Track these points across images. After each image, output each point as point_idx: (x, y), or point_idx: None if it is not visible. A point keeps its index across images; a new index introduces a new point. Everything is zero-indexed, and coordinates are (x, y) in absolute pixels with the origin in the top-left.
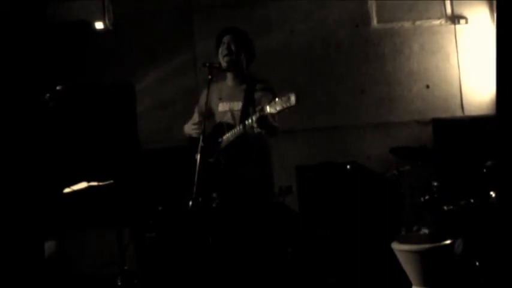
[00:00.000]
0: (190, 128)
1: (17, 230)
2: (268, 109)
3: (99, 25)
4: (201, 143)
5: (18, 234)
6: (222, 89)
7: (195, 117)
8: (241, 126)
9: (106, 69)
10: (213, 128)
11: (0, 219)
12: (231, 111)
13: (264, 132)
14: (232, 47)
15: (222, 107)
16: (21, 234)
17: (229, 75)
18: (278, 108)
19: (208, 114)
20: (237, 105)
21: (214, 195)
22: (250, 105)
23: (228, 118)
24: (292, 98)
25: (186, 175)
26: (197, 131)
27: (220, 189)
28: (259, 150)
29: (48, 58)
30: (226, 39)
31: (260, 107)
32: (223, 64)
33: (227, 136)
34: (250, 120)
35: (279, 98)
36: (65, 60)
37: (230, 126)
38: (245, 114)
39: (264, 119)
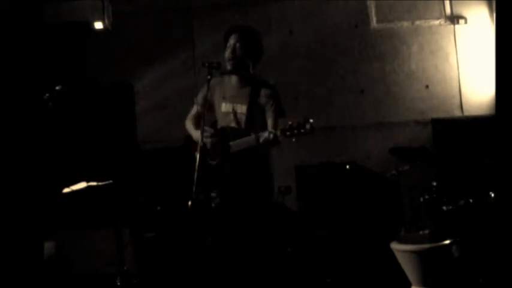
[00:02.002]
0: (194, 132)
1: (17, 230)
2: (279, 134)
3: (98, 25)
4: (200, 143)
5: (18, 235)
6: (226, 87)
7: (195, 110)
8: (251, 140)
9: (105, 69)
10: (218, 130)
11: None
12: (234, 112)
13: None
14: (238, 51)
15: (225, 107)
16: (20, 235)
17: (233, 76)
18: (289, 134)
19: (208, 109)
20: (240, 108)
21: (213, 194)
22: (255, 110)
23: (230, 120)
24: (308, 126)
25: (185, 175)
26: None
27: (221, 190)
28: (260, 154)
29: (47, 58)
30: (232, 40)
31: (272, 131)
32: (228, 67)
33: (236, 144)
34: (263, 139)
35: (293, 124)
36: (64, 60)
37: (234, 131)
38: (250, 119)
39: (275, 142)
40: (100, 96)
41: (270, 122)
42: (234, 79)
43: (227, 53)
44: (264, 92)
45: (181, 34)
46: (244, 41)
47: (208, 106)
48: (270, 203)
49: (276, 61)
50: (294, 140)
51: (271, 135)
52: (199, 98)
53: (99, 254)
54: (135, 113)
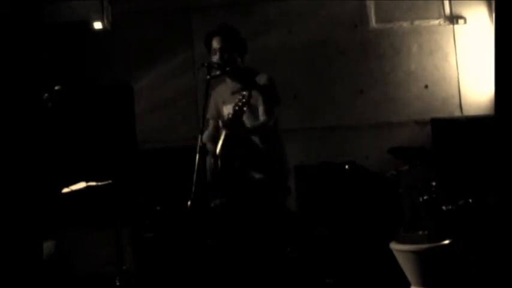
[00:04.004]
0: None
1: (16, 230)
2: (230, 109)
3: (97, 25)
4: (199, 143)
5: (17, 235)
6: (224, 92)
7: (211, 127)
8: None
9: (104, 69)
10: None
11: None
12: None
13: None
14: (224, 54)
15: (226, 110)
16: (19, 235)
17: (227, 79)
18: (237, 108)
19: (217, 117)
20: None
21: (212, 193)
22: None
23: None
24: (244, 93)
25: (186, 175)
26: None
27: (226, 191)
28: (266, 153)
29: (46, 58)
30: (215, 44)
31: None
32: (220, 72)
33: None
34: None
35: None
36: (63, 61)
37: None
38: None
39: (234, 120)
40: (99, 96)
41: (260, 110)
42: (229, 81)
43: (215, 58)
44: (258, 86)
45: (181, 34)
46: (228, 42)
47: (218, 116)
48: (268, 203)
49: (275, 61)
50: (245, 109)
51: (229, 114)
52: (211, 111)
53: (98, 254)
54: (135, 113)
